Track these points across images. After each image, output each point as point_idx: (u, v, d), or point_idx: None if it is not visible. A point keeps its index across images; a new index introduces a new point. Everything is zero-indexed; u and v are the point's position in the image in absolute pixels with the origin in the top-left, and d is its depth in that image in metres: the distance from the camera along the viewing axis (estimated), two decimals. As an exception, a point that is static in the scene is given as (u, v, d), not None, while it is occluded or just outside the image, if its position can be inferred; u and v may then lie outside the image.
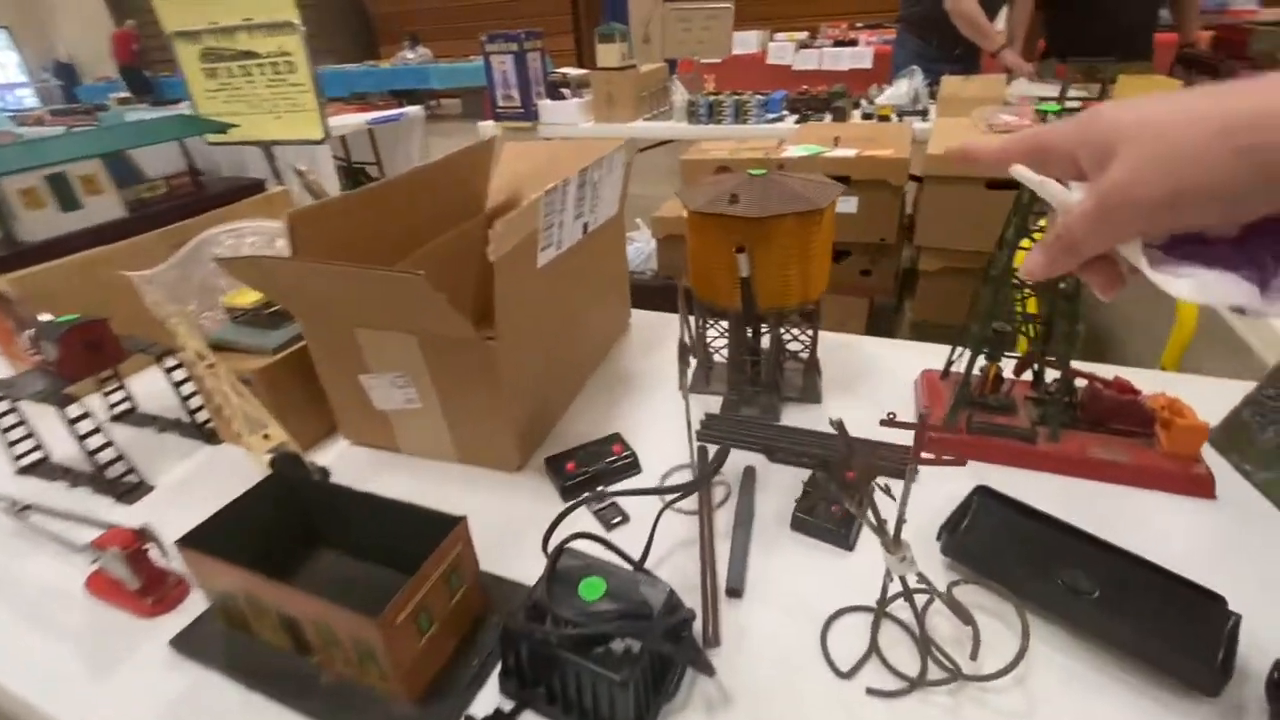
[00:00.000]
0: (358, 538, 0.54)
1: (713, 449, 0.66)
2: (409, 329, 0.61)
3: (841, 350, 0.85)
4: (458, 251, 0.71)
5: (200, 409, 0.77)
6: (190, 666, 0.49)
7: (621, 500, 0.61)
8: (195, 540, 0.47)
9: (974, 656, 0.44)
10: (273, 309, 0.74)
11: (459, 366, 0.62)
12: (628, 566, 0.49)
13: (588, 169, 0.68)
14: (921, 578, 0.44)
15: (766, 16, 5.49)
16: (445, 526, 0.45)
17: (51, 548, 0.60)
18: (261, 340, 0.70)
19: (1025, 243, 0.60)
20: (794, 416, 0.73)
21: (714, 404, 0.76)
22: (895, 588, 0.46)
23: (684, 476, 0.65)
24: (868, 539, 0.56)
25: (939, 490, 0.58)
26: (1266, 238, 0.25)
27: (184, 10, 2.10)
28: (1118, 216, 0.26)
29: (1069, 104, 0.52)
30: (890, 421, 0.38)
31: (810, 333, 0.76)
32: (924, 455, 0.40)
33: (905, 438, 0.40)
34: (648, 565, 0.52)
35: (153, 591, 0.54)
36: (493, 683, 0.46)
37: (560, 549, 0.45)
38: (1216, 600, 0.46)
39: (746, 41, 4.63)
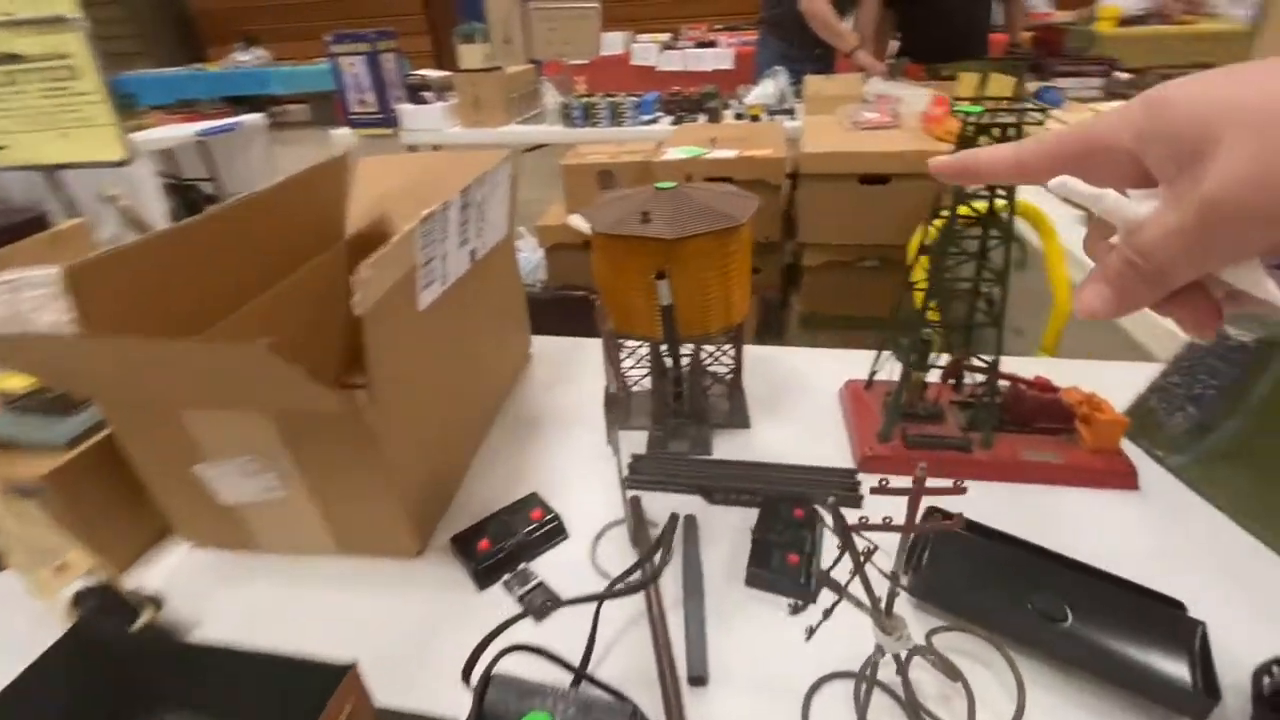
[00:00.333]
0: (213, 696, 0.40)
1: (646, 497, 0.58)
2: (256, 407, 0.48)
3: (761, 364, 0.80)
4: (311, 295, 0.58)
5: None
6: None
7: (547, 574, 0.52)
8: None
9: (970, 720, 0.40)
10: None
11: (328, 440, 0.49)
12: (570, 676, 0.40)
13: (470, 187, 0.58)
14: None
15: (628, 18, 5.50)
16: (328, 680, 0.34)
17: None
18: (48, 433, 0.52)
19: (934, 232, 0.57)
20: (725, 445, 0.67)
21: (637, 440, 0.68)
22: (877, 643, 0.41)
23: (619, 536, 0.56)
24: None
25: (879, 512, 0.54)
26: None
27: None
28: (1229, 231, 0.20)
29: (987, 103, 0.49)
30: (883, 489, 0.32)
31: (734, 352, 0.71)
32: (922, 502, 0.35)
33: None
34: (595, 662, 0.44)
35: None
36: None
37: (486, 680, 0.35)
38: (1178, 608, 0.46)
39: (611, 43, 4.60)
